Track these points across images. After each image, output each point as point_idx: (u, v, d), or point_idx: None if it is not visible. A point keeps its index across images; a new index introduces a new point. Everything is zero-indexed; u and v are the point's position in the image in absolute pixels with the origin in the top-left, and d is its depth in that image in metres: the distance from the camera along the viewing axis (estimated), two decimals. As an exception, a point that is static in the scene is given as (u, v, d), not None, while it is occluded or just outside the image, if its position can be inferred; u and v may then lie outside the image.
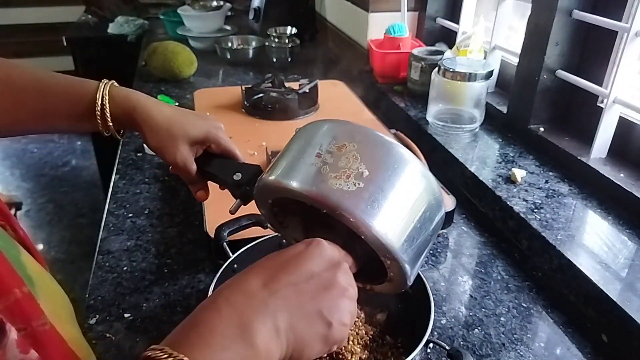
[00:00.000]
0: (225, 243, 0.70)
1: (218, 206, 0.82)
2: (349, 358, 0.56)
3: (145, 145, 1.11)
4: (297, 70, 1.67)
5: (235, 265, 0.66)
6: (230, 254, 0.67)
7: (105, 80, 0.58)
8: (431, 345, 0.63)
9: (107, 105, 0.57)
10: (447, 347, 0.56)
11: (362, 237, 0.41)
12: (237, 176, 0.59)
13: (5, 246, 0.39)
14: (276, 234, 0.72)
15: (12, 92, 0.54)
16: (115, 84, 0.58)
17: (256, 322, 0.35)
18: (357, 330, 0.61)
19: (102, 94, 0.56)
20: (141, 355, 0.33)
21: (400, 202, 0.42)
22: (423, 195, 0.44)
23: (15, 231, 0.44)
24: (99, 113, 0.56)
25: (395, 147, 0.43)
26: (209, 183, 0.64)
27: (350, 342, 0.59)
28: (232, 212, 0.59)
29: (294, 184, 0.42)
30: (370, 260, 0.45)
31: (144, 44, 2.00)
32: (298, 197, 0.43)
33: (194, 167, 0.60)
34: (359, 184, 0.41)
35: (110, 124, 0.58)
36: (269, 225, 0.73)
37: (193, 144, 0.60)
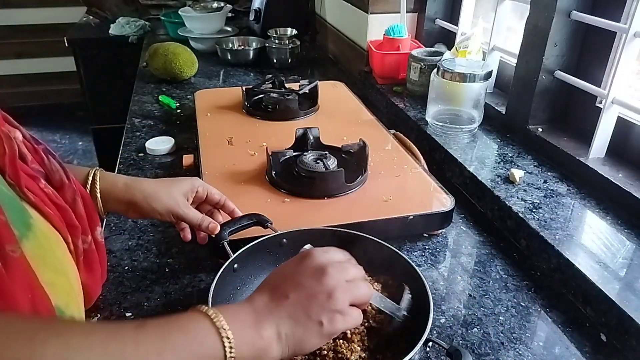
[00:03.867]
0: (225, 242, 0.71)
1: (219, 206, 0.83)
2: (349, 356, 0.56)
3: (146, 145, 1.12)
4: (297, 71, 1.67)
5: (236, 265, 0.67)
6: (231, 254, 0.67)
7: None
8: (430, 344, 0.63)
9: None
10: (446, 346, 0.56)
11: None
12: None
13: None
14: (277, 233, 0.72)
15: None
16: None
17: (266, 325, 0.46)
18: (356, 328, 0.61)
19: None
20: (196, 308, 0.44)
21: None
22: None
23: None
24: None
25: None
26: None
27: (350, 341, 0.59)
28: None
29: None
30: None
31: (145, 45, 2.00)
32: None
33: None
34: None
35: None
36: (268, 225, 0.74)
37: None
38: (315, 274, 0.50)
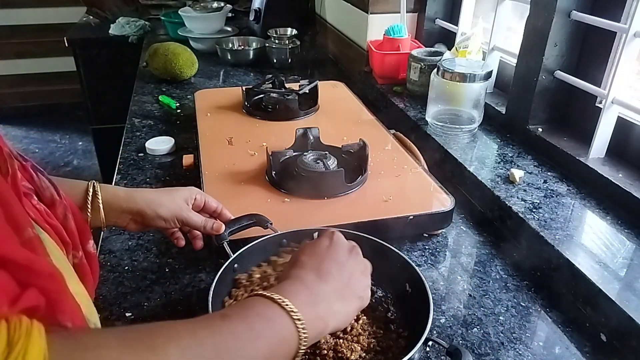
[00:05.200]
0: (225, 243, 0.71)
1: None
2: (349, 356, 0.56)
3: (146, 145, 1.12)
4: (298, 71, 1.67)
5: (236, 265, 0.67)
6: (231, 254, 0.67)
7: None
8: (430, 343, 0.63)
9: None
10: (446, 346, 0.56)
11: None
12: None
13: None
14: (277, 233, 0.72)
15: None
16: None
17: (321, 304, 0.49)
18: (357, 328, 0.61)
19: None
20: (253, 294, 0.47)
21: None
22: None
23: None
24: None
25: None
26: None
27: (350, 341, 0.59)
28: None
29: None
30: None
31: (145, 45, 2.00)
32: None
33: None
34: None
35: None
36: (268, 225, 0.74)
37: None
38: (350, 254, 0.55)
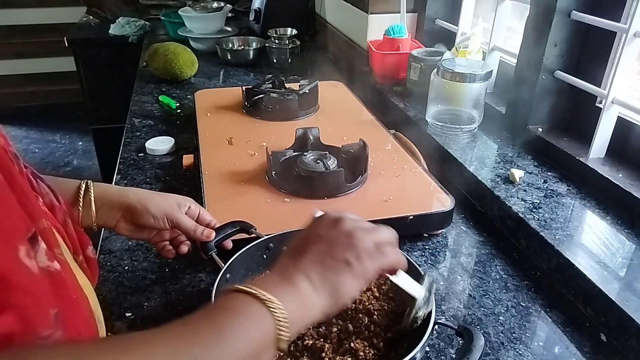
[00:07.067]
0: (214, 253, 0.68)
1: (220, 206, 0.83)
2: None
3: (146, 145, 1.12)
4: (297, 71, 1.67)
5: (228, 275, 0.63)
6: (222, 264, 0.65)
7: None
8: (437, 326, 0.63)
9: None
10: (454, 326, 0.56)
11: None
12: None
13: None
14: (265, 237, 0.70)
15: None
16: None
17: (295, 278, 0.45)
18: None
19: None
20: (230, 288, 0.42)
21: None
22: None
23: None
24: None
25: None
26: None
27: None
28: None
29: None
30: None
31: (145, 45, 2.00)
32: None
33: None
34: None
35: None
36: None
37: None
38: (333, 224, 0.49)
